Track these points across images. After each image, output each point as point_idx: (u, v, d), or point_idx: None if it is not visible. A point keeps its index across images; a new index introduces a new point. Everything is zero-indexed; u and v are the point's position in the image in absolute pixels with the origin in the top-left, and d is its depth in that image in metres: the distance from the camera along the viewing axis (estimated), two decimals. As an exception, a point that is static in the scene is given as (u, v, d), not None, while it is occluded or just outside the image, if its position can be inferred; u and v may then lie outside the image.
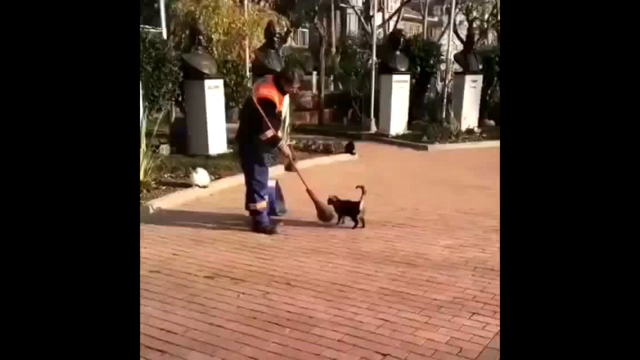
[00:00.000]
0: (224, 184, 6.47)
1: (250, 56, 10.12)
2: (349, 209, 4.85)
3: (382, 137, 10.56)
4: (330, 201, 4.89)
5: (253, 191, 4.70)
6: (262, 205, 4.74)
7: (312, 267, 3.91)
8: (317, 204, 4.89)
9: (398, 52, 10.81)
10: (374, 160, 8.65)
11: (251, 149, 4.67)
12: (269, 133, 4.49)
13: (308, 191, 4.87)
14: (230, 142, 8.10)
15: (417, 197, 6.18)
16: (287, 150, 4.82)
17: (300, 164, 7.52)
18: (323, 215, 4.92)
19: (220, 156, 7.78)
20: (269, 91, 4.50)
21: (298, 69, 4.78)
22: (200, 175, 6.19)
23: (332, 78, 15.29)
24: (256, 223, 4.76)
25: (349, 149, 8.80)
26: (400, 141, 10.22)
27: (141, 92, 6.77)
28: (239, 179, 6.29)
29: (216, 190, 6.24)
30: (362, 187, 4.84)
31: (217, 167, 6.94)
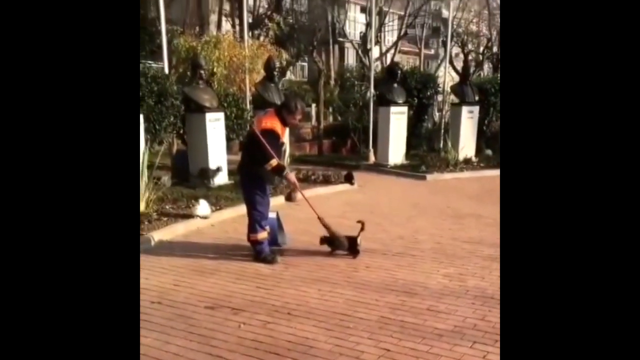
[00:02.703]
0: (225, 214, 6.49)
1: (250, 89, 10.27)
2: (348, 242, 4.87)
3: (380, 167, 10.60)
4: (325, 240, 4.91)
5: (254, 221, 4.73)
6: (262, 235, 4.76)
7: (313, 297, 3.90)
8: (329, 231, 4.90)
9: (395, 84, 10.94)
10: (372, 190, 8.69)
11: (252, 180, 4.71)
12: (274, 162, 4.51)
13: (319, 218, 4.89)
14: (231, 173, 8.14)
15: (415, 226, 6.19)
16: (292, 178, 4.83)
17: (298, 195, 7.58)
18: (334, 243, 4.89)
19: (222, 187, 7.82)
20: (272, 122, 4.56)
21: (299, 100, 4.87)
22: (202, 206, 6.22)
23: (330, 110, 15.45)
24: (257, 253, 4.78)
25: (348, 179, 8.84)
26: (399, 171, 10.27)
27: (142, 125, 6.85)
28: (240, 210, 6.31)
29: (217, 221, 6.26)
30: (362, 223, 4.86)
31: (218, 198, 6.97)
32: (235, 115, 9.11)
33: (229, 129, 8.82)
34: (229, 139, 8.90)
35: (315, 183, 8.61)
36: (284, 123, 4.66)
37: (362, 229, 4.85)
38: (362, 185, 8.92)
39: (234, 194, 7.07)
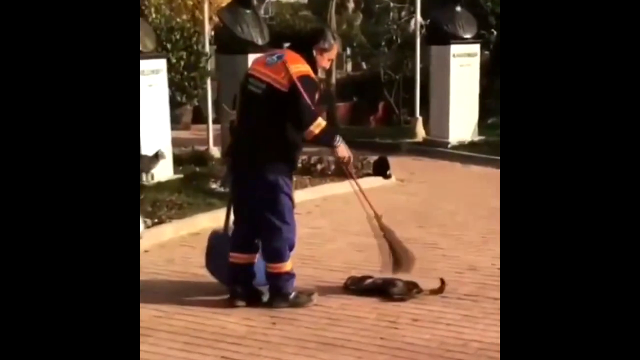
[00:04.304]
0: (167, 232, 6.53)
1: (211, 20, 10.25)
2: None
3: (435, 148, 10.76)
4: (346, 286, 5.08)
5: (283, 242, 4.74)
6: (290, 264, 4.82)
7: (319, 374, 3.89)
8: (392, 248, 5.01)
9: (458, 8, 11.07)
10: (422, 185, 8.78)
11: (278, 172, 4.69)
12: (322, 122, 4.69)
13: (376, 217, 5.02)
14: (179, 161, 8.09)
15: (496, 247, 6.07)
16: (344, 151, 4.90)
17: (297, 197, 7.49)
18: (400, 265, 5.01)
19: (163, 186, 7.82)
20: (305, 66, 4.66)
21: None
22: (129, 219, 6.15)
23: (349, 52, 15.46)
24: (278, 291, 4.78)
25: (381, 169, 8.86)
26: (467, 153, 10.41)
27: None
28: (193, 224, 6.30)
29: (154, 243, 6.26)
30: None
31: (157, 205, 6.98)
32: (186, 64, 9.11)
33: (176, 86, 8.79)
34: (175, 104, 8.87)
35: (323, 176, 8.56)
36: (313, 68, 4.78)
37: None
38: (406, 178, 9.00)
39: (185, 196, 7.09)
